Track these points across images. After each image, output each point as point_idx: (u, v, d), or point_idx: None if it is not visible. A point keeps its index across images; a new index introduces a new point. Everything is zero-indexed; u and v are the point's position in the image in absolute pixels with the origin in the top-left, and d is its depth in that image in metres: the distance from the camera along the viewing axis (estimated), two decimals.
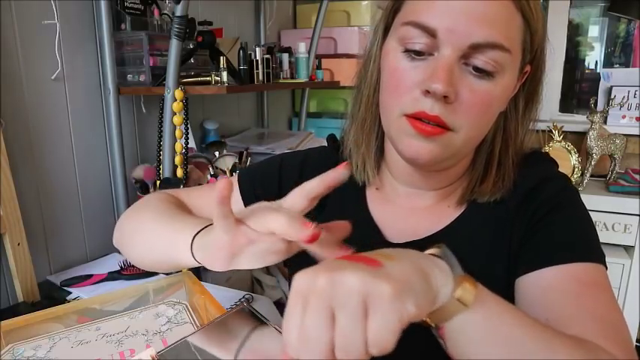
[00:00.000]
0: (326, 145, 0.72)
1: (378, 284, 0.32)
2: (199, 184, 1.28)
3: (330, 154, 0.68)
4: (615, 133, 1.83)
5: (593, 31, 2.24)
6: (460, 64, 0.48)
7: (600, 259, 0.52)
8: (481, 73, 0.48)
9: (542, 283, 0.50)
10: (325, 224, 0.41)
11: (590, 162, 1.82)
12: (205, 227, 0.47)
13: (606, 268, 0.52)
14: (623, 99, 1.92)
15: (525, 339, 0.39)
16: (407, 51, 0.51)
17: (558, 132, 1.90)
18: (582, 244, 0.53)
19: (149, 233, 0.57)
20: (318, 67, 1.86)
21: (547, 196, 0.56)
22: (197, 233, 0.47)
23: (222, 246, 0.42)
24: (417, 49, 0.49)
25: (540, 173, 0.58)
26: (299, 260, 0.42)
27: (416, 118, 0.50)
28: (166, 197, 0.66)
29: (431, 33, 0.48)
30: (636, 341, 1.79)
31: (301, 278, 0.33)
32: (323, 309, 0.31)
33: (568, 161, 1.88)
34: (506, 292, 0.54)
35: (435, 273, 0.37)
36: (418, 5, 0.50)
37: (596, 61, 2.25)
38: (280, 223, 0.39)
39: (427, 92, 0.48)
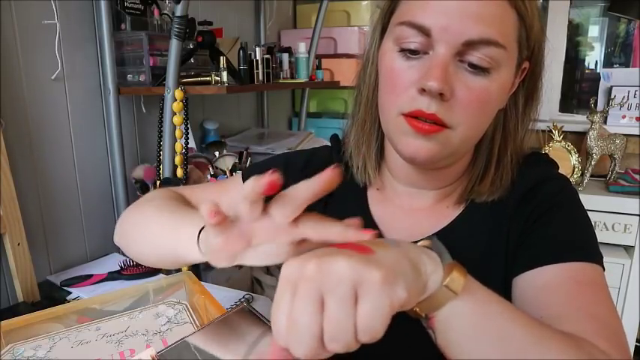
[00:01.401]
0: (329, 144, 0.72)
1: (368, 270, 0.31)
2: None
3: (335, 155, 0.68)
4: (615, 133, 1.82)
5: (593, 31, 2.23)
6: (455, 61, 0.49)
7: (598, 259, 0.51)
8: (476, 69, 0.49)
9: (538, 282, 0.50)
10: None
11: (590, 162, 1.82)
12: None
13: (604, 269, 0.52)
14: (623, 99, 1.92)
15: (516, 332, 0.39)
16: (402, 50, 0.51)
17: (558, 132, 1.90)
18: (580, 244, 0.53)
19: (153, 227, 0.56)
20: (318, 67, 1.86)
21: (545, 195, 0.56)
22: (203, 228, 0.46)
23: (218, 249, 0.41)
24: (412, 48, 0.50)
25: (539, 174, 0.58)
26: None
27: (413, 116, 0.50)
28: (169, 193, 0.66)
29: (425, 32, 0.48)
30: (636, 341, 1.79)
31: (290, 266, 0.33)
32: (312, 295, 0.31)
33: (568, 161, 1.88)
34: (504, 293, 0.54)
35: (424, 260, 0.38)
36: (412, 5, 0.50)
37: (596, 61, 2.25)
38: (247, 187, 0.37)
39: (423, 90, 0.49)
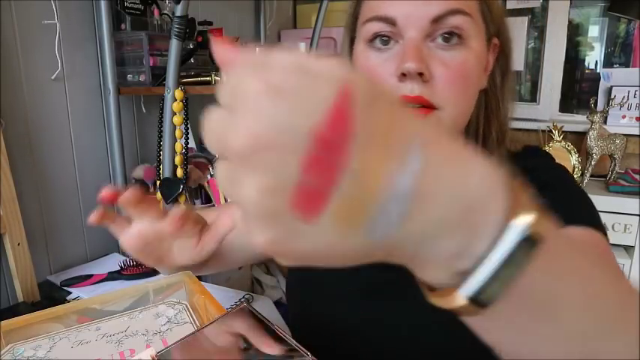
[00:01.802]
0: None
1: (272, 222, 0.20)
2: (199, 184, 1.28)
3: None
4: (615, 133, 1.82)
5: (593, 31, 2.23)
6: (427, 43, 0.50)
7: (599, 227, 0.48)
8: (448, 42, 0.50)
9: None
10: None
11: (590, 162, 1.82)
12: None
13: (608, 241, 0.48)
14: (623, 99, 1.91)
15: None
16: (373, 40, 0.52)
17: (558, 132, 1.90)
18: (577, 212, 0.50)
19: None
20: None
21: (537, 176, 0.54)
22: None
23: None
24: (382, 34, 0.51)
25: (532, 163, 0.57)
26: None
27: None
28: None
29: (391, 22, 0.50)
30: None
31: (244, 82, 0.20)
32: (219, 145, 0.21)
33: (568, 161, 1.88)
34: None
35: (443, 246, 0.22)
36: (373, 3, 0.52)
37: (596, 61, 2.24)
38: None
39: (403, 76, 0.49)
